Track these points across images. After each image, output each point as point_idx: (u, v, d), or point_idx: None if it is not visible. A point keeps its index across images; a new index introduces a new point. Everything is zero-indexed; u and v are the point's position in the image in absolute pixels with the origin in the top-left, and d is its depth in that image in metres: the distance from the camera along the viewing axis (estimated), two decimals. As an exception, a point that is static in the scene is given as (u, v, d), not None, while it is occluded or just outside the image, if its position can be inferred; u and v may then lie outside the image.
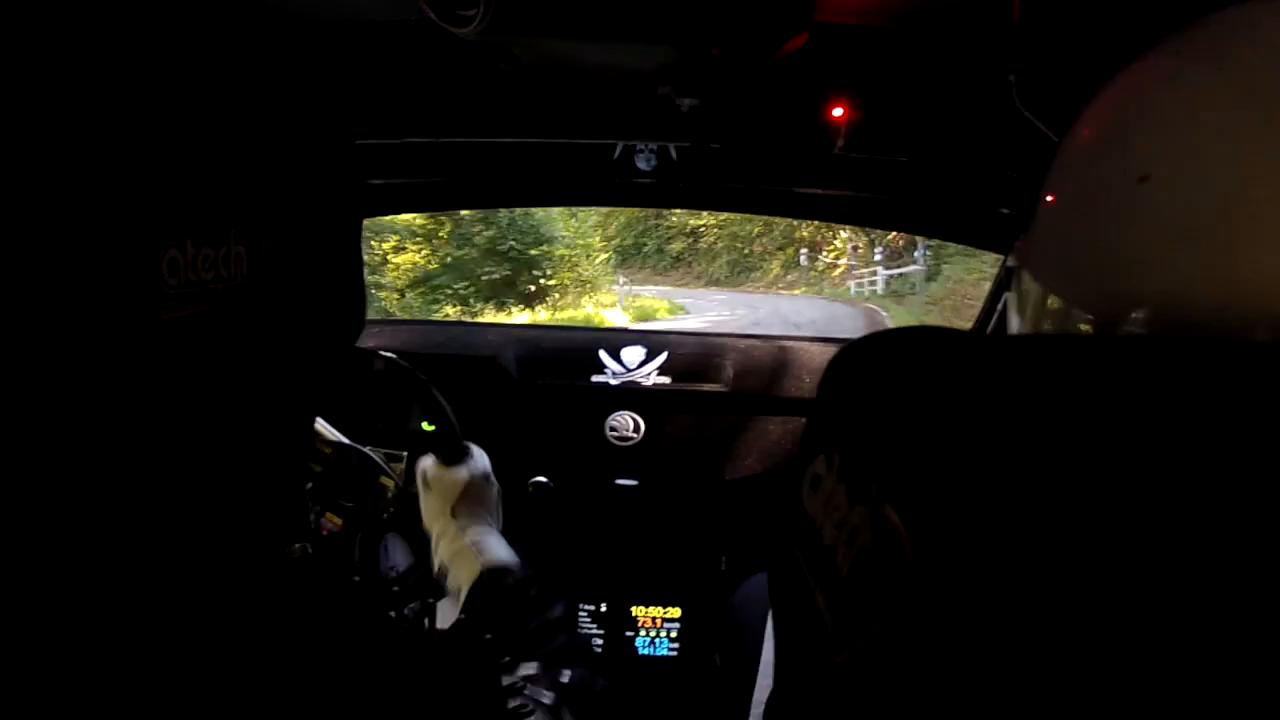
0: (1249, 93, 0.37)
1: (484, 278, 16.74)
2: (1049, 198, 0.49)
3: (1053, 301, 0.46)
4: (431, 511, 0.90)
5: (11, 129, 0.31)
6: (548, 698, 0.61)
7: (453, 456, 0.93)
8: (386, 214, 1.64)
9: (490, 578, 0.79)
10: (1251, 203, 0.36)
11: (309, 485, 0.93)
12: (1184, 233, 0.38)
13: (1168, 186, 0.39)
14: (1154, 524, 0.28)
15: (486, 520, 0.90)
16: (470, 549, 0.83)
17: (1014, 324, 0.52)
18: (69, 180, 0.32)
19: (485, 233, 16.76)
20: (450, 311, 15.45)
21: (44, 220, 0.32)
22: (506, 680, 0.61)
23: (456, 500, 0.89)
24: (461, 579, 0.81)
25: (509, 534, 0.91)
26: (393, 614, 0.94)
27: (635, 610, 1.43)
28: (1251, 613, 0.27)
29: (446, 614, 0.96)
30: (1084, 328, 0.44)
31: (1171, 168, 0.39)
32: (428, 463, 0.95)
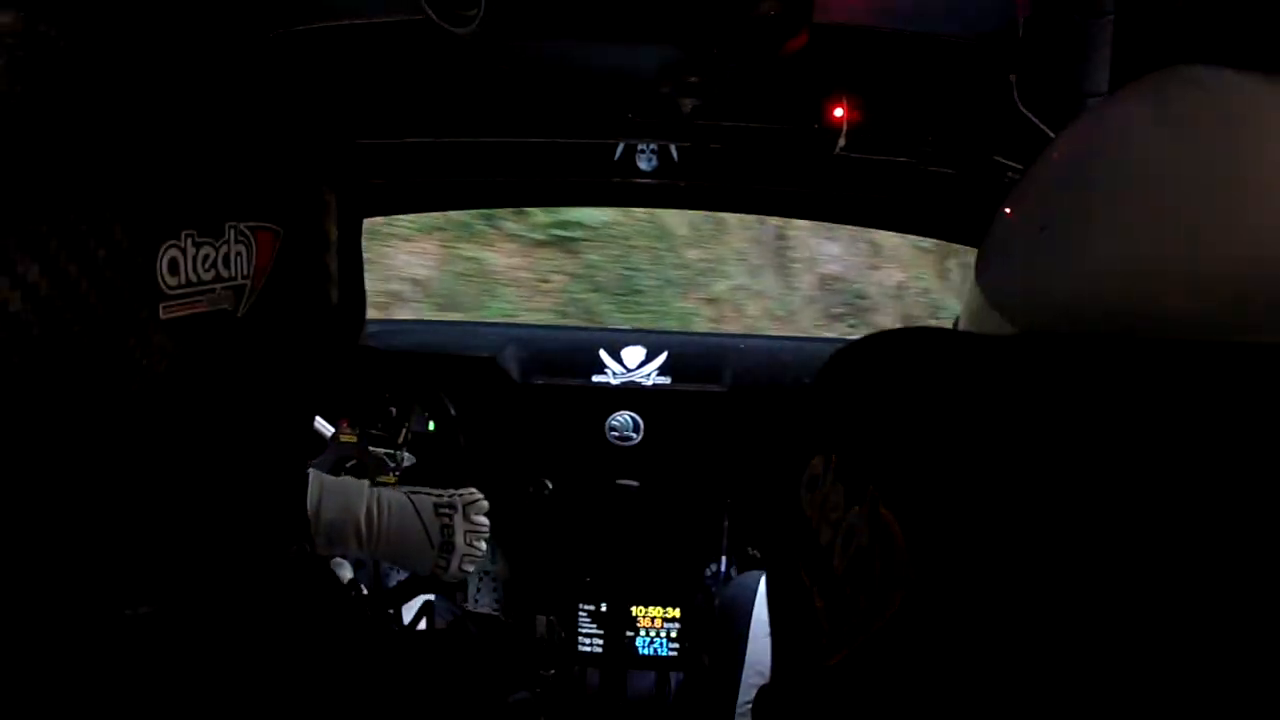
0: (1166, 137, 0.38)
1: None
2: (1005, 209, 0.50)
3: (986, 308, 0.47)
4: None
5: (11, 129, 0.31)
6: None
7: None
8: (386, 214, 1.64)
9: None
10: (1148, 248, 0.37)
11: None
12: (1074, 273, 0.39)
13: (1074, 226, 0.40)
14: (1144, 522, 0.28)
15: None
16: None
17: (961, 319, 0.53)
18: (69, 180, 0.32)
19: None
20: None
21: (44, 220, 0.32)
22: None
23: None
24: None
25: (508, 534, 0.91)
26: (390, 611, 0.95)
27: (635, 610, 1.43)
28: (1224, 598, 0.27)
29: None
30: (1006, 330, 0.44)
31: (1075, 211, 0.40)
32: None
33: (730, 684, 0.94)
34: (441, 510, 0.80)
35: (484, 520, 0.82)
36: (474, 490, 0.84)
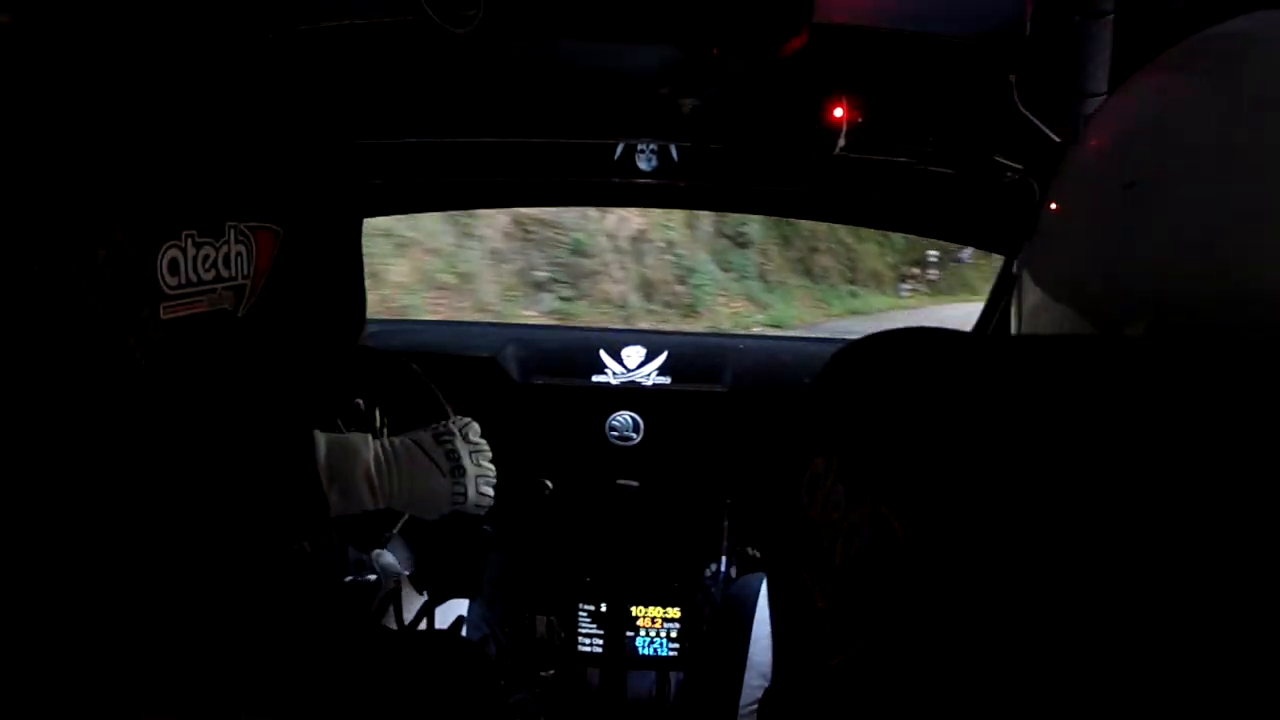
0: (1242, 102, 0.38)
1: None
2: (1051, 205, 0.49)
3: (1052, 306, 0.46)
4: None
5: (10, 128, 0.31)
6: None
7: None
8: (386, 214, 1.64)
9: None
10: (1243, 210, 0.36)
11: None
12: (1173, 238, 0.38)
13: (1156, 192, 0.39)
14: (1145, 522, 0.28)
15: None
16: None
17: (1014, 327, 0.52)
18: (69, 180, 0.32)
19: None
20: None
21: (44, 220, 0.32)
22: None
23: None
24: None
25: (509, 534, 0.91)
26: (390, 609, 0.94)
27: (635, 610, 1.43)
28: (1220, 599, 0.27)
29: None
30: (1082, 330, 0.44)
31: (1159, 173, 0.39)
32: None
33: (733, 685, 0.94)
34: (442, 438, 0.80)
35: (482, 441, 0.83)
36: (463, 416, 0.86)
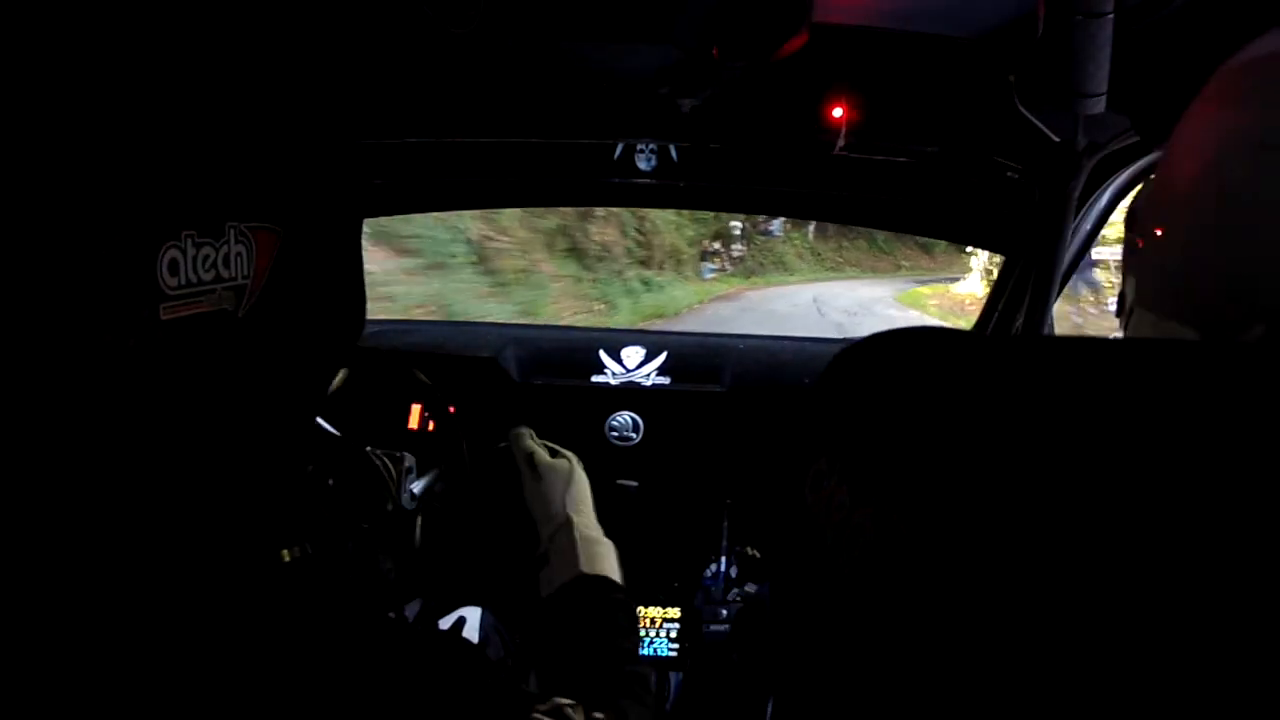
0: None
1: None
2: (1159, 231, 0.47)
3: (1160, 324, 0.45)
4: (540, 498, 0.89)
5: (9, 127, 0.31)
6: None
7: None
8: (387, 214, 1.64)
9: (580, 586, 0.75)
10: None
11: (329, 483, 0.90)
12: None
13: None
14: (1145, 523, 0.28)
15: (595, 521, 0.88)
16: (579, 547, 0.80)
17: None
18: (68, 180, 0.32)
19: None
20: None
21: (44, 219, 0.32)
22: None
23: (566, 492, 0.88)
24: (556, 575, 0.77)
25: (510, 534, 0.91)
26: (391, 615, 0.94)
27: (635, 610, 1.43)
28: (1217, 600, 0.27)
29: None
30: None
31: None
32: (533, 446, 0.94)
33: (762, 683, 0.95)
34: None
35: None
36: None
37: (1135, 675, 0.27)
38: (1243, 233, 0.39)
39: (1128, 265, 0.50)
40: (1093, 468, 0.30)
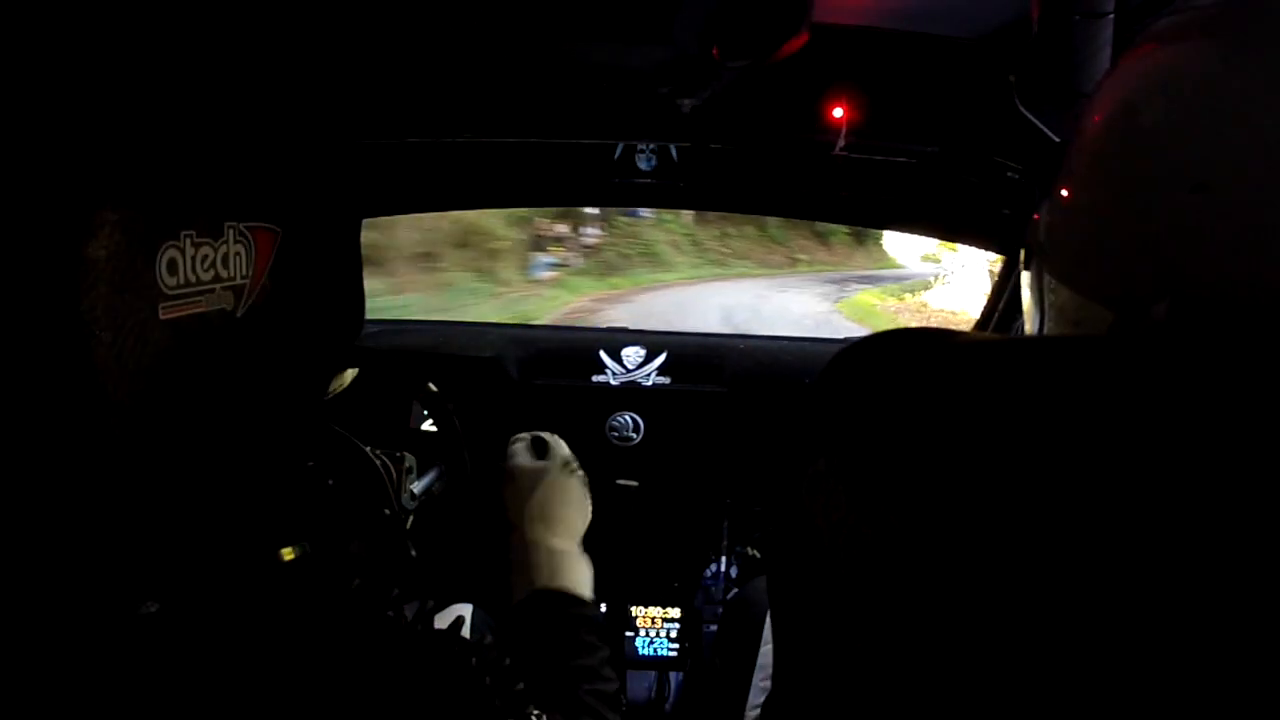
0: None
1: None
2: (1066, 192, 0.45)
3: (1071, 298, 0.44)
4: (512, 507, 0.82)
5: (9, 127, 0.31)
6: None
7: (537, 449, 0.87)
8: (386, 214, 1.64)
9: (535, 601, 0.69)
10: None
11: (329, 483, 0.89)
12: (1242, 244, 0.35)
13: (1226, 195, 0.36)
14: (1145, 524, 0.28)
15: (566, 530, 0.80)
16: (537, 559, 0.74)
17: (1027, 314, 0.50)
18: (68, 181, 0.32)
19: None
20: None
21: (43, 221, 0.32)
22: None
23: (529, 500, 0.80)
24: (517, 588, 0.72)
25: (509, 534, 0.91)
26: (390, 614, 0.94)
27: (635, 610, 1.43)
28: (1216, 602, 0.27)
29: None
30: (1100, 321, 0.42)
31: (1230, 175, 0.36)
32: (517, 449, 0.88)
33: (740, 686, 0.94)
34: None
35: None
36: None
37: (1135, 675, 0.27)
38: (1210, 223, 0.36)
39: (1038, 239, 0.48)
40: (1092, 467, 0.30)
